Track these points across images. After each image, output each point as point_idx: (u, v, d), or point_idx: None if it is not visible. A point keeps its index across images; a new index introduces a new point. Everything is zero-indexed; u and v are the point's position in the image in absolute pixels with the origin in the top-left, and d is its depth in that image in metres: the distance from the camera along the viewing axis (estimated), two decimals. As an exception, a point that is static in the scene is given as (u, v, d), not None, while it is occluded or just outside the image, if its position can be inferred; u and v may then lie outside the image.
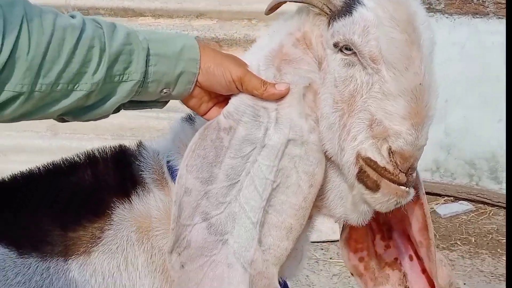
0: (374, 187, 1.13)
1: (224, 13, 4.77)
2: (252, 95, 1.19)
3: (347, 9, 1.14)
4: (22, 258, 1.22)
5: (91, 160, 1.31)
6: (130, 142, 4.02)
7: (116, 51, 1.12)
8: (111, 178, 1.29)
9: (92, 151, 1.32)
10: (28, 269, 1.22)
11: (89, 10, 4.82)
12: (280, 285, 1.30)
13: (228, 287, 1.17)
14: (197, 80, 1.22)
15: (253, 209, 1.18)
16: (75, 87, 1.10)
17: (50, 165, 1.31)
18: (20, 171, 1.31)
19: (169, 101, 1.27)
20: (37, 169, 1.31)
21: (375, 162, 1.12)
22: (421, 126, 1.10)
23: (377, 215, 1.32)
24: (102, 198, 1.27)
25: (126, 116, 4.46)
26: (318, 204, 1.25)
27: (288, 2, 1.26)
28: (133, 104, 1.25)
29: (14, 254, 1.22)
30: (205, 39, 4.72)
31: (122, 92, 1.16)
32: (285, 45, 1.23)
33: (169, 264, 1.17)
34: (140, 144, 1.36)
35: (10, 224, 1.24)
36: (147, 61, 1.16)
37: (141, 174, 1.29)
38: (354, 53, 1.13)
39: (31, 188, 1.29)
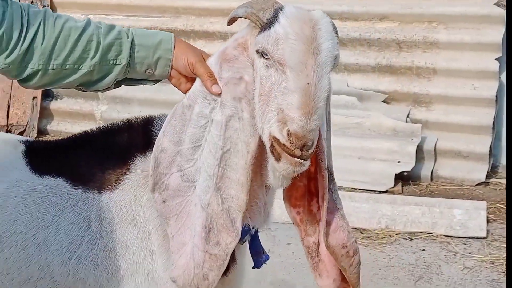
0: (278, 158, 1.45)
1: (406, 16, 4.98)
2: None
3: (268, 25, 1.47)
4: (73, 189, 1.76)
5: (129, 126, 1.80)
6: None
7: (109, 43, 1.61)
8: (138, 140, 1.76)
9: (131, 119, 1.81)
10: (76, 196, 1.75)
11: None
12: (246, 231, 1.66)
13: (193, 219, 1.59)
14: (172, 64, 1.66)
15: (209, 165, 1.57)
16: (80, 67, 1.61)
17: (103, 126, 1.83)
18: (84, 130, 1.86)
19: (159, 80, 1.71)
20: (94, 129, 1.84)
21: (278, 140, 1.43)
22: (309, 115, 1.38)
23: (315, 183, 1.63)
24: (130, 153, 1.75)
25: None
26: (265, 173, 1.60)
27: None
28: (130, 81, 1.73)
29: (69, 185, 1.76)
30: (386, 40, 5.00)
31: (116, 71, 1.64)
32: (228, 47, 1.60)
33: (153, 199, 1.62)
34: (160, 117, 1.81)
35: (70, 165, 1.79)
36: (131, 49, 1.63)
37: (154, 138, 1.74)
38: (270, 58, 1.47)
39: (87, 143, 1.82)
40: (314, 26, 1.42)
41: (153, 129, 1.76)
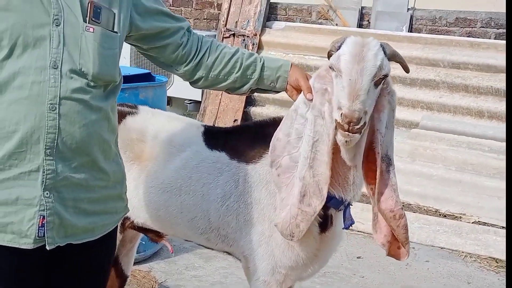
0: (336, 133, 2.00)
1: None
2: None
3: (337, 49, 2.05)
4: (231, 160, 2.46)
5: (274, 122, 2.48)
6: (470, 176, 4.89)
7: (248, 64, 2.30)
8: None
9: (276, 118, 2.50)
10: (231, 165, 2.44)
11: (460, 65, 5.86)
12: (341, 202, 2.24)
13: (293, 188, 2.22)
14: (288, 81, 2.29)
15: (305, 151, 2.14)
16: (228, 78, 2.30)
17: (258, 121, 2.56)
18: (244, 123, 2.62)
19: (279, 92, 2.37)
20: (252, 122, 2.59)
21: (336, 120, 1.96)
22: (351, 100, 1.91)
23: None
24: (271, 139, 2.45)
25: (470, 154, 5.38)
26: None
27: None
28: (260, 90, 2.34)
29: (228, 157, 2.47)
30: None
31: (251, 83, 2.28)
32: (322, 69, 2.18)
33: (271, 173, 2.29)
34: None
35: (231, 144, 2.50)
36: (261, 69, 2.28)
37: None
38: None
39: (245, 130, 2.56)
40: (363, 47, 2.04)
41: None
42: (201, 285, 4.00)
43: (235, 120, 6.68)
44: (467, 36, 6.30)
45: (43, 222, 1.75)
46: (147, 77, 4.33)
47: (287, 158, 2.25)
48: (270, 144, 2.28)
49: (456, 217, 5.12)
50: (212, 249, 2.61)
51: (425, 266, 4.38)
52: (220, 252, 4.24)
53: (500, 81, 5.62)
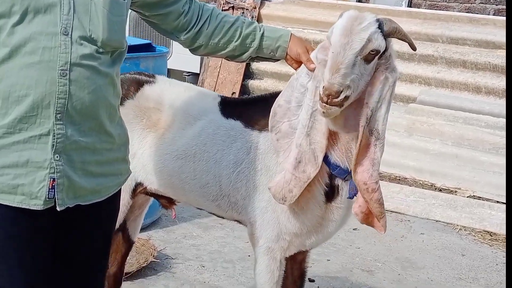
0: (318, 101, 2.04)
1: None
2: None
3: None
4: (245, 128, 2.50)
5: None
6: (466, 151, 4.90)
7: (247, 33, 2.30)
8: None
9: (278, 92, 2.56)
10: (245, 133, 2.48)
11: (458, 40, 5.92)
12: (346, 172, 2.26)
13: (291, 153, 2.26)
14: (287, 51, 2.32)
15: (304, 119, 2.20)
16: (227, 46, 2.30)
17: (273, 92, 2.58)
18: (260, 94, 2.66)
19: (279, 60, 2.42)
20: (267, 94, 2.60)
21: (319, 92, 2.03)
22: (331, 73, 1.97)
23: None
24: None
25: (467, 129, 5.45)
26: None
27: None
28: (260, 58, 2.39)
29: (242, 125, 2.51)
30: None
31: (250, 51, 2.32)
32: (326, 42, 2.15)
33: (271, 137, 2.35)
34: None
35: (246, 114, 2.54)
36: (261, 39, 2.31)
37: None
38: None
39: (261, 101, 2.58)
40: (355, 21, 2.06)
41: None
42: (199, 254, 4.07)
43: (233, 93, 6.71)
44: (466, 12, 6.35)
45: (53, 184, 1.79)
46: (148, 48, 4.36)
47: (286, 124, 2.31)
48: (271, 109, 2.32)
49: (452, 191, 5.20)
50: (223, 217, 2.65)
51: (420, 238, 4.47)
52: (218, 222, 4.36)
53: (498, 57, 5.66)
